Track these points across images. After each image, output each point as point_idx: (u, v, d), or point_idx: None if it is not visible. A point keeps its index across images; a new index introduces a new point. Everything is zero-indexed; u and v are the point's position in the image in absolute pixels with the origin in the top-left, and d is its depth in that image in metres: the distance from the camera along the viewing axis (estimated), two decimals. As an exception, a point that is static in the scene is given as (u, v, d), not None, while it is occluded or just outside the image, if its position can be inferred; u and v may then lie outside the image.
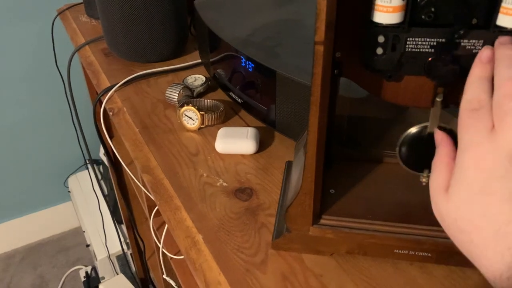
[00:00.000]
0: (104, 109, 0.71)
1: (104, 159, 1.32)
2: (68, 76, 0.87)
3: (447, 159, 0.32)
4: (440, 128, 0.39)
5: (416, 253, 0.41)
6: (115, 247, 1.45)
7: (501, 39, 0.33)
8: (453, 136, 0.38)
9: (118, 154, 0.78)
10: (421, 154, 0.40)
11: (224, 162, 0.56)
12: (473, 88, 0.30)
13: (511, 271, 0.26)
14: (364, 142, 0.50)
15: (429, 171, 0.41)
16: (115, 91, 0.71)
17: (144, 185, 0.70)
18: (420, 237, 0.41)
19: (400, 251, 0.42)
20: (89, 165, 1.19)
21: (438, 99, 0.37)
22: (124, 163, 0.83)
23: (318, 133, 0.37)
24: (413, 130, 0.39)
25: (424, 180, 0.40)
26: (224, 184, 0.52)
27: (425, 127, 0.39)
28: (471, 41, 0.35)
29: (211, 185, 0.52)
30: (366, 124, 0.51)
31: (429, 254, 0.41)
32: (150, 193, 0.54)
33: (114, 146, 0.92)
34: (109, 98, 0.70)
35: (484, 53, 0.32)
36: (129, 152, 0.61)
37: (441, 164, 0.32)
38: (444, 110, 0.38)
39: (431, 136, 0.39)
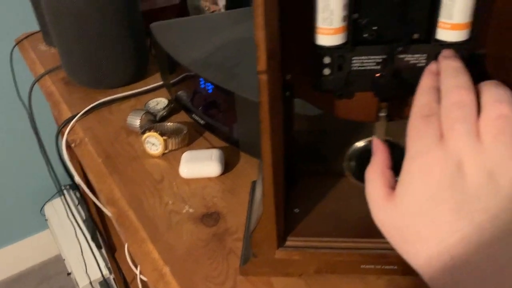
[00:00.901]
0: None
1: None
2: (30, 108, 0.85)
3: (382, 167, 0.32)
4: (386, 141, 0.40)
5: (382, 266, 0.42)
6: (97, 273, 1.42)
7: (444, 53, 0.33)
8: (394, 148, 0.38)
9: (88, 182, 0.77)
10: None
11: (189, 187, 0.55)
12: (424, 96, 0.31)
13: (454, 282, 0.26)
14: (327, 156, 0.50)
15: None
16: (76, 121, 0.69)
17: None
18: (384, 251, 0.41)
19: (366, 266, 0.42)
20: (65, 193, 1.17)
21: (381, 114, 0.37)
22: (94, 192, 0.81)
23: (272, 158, 0.36)
24: (360, 144, 0.40)
25: None
26: (190, 210, 0.52)
27: (371, 141, 0.39)
28: (414, 55, 0.35)
29: (177, 212, 0.51)
30: (327, 138, 0.51)
31: (395, 267, 0.41)
32: (116, 226, 0.53)
33: (84, 173, 0.91)
34: (70, 129, 0.69)
35: (432, 66, 0.33)
36: (93, 184, 0.60)
37: (375, 173, 0.32)
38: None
39: None
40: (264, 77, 0.32)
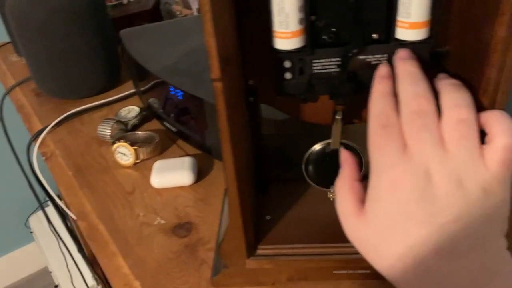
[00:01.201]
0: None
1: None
2: (2, 120, 0.83)
3: (351, 181, 0.31)
4: (342, 144, 0.39)
5: (355, 271, 0.41)
6: (84, 284, 1.40)
7: (400, 53, 0.32)
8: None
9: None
10: (327, 170, 0.40)
11: (161, 198, 0.54)
12: (379, 103, 0.30)
13: None
14: (297, 160, 0.50)
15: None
16: (47, 133, 0.68)
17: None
18: (357, 255, 0.39)
19: (339, 271, 0.41)
20: (48, 204, 1.14)
21: (337, 117, 0.37)
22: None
23: (235, 169, 0.35)
24: (317, 147, 0.39)
25: (331, 196, 0.40)
26: (162, 221, 0.50)
27: (329, 143, 0.39)
28: (375, 55, 0.34)
29: (148, 224, 0.50)
30: (296, 143, 0.50)
31: (368, 271, 0.41)
32: (87, 240, 0.52)
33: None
34: (41, 142, 0.67)
35: (382, 70, 0.32)
36: (64, 198, 0.58)
37: (344, 187, 0.31)
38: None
39: (334, 152, 0.39)
40: (219, 85, 0.31)
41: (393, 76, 0.31)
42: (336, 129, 0.38)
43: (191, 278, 0.44)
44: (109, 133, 0.62)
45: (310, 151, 0.41)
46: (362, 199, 0.31)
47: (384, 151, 0.28)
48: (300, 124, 0.52)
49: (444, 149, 0.27)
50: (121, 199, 0.54)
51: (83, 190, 0.56)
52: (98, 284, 1.41)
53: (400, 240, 0.27)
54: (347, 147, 0.38)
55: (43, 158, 0.65)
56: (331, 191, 0.41)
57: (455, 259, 0.25)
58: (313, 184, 0.42)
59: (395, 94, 0.30)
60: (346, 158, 0.33)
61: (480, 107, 0.29)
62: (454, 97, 0.28)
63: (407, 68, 0.30)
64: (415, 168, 0.27)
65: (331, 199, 0.40)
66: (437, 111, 0.28)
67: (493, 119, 0.27)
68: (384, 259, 0.28)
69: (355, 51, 0.32)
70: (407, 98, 0.29)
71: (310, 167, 0.42)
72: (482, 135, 0.28)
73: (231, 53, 0.33)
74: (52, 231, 1.28)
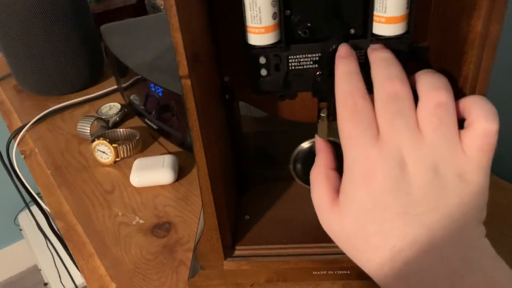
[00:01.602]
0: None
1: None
2: (-17, 117, 0.81)
3: (325, 169, 0.30)
4: (330, 142, 0.38)
5: (335, 272, 0.40)
6: (72, 282, 1.38)
7: (372, 46, 0.31)
8: (338, 148, 0.37)
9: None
10: None
11: (141, 197, 0.53)
12: (343, 84, 0.28)
13: (401, 285, 0.25)
14: (277, 159, 0.49)
15: None
16: (26, 131, 0.66)
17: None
18: (336, 255, 0.39)
19: (318, 272, 0.40)
20: (32, 205, 1.13)
21: (322, 114, 0.36)
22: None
23: (208, 168, 0.34)
24: (305, 145, 0.38)
25: None
26: (141, 221, 0.49)
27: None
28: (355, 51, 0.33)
29: (127, 224, 0.49)
30: (276, 141, 0.50)
31: (348, 272, 0.40)
32: (64, 240, 0.51)
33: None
34: (21, 140, 0.66)
35: (341, 50, 0.30)
36: (43, 197, 0.57)
37: (319, 175, 0.30)
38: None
39: None
40: (187, 82, 0.30)
41: (354, 55, 0.30)
42: (322, 127, 0.37)
43: (168, 280, 0.43)
44: (89, 131, 0.61)
45: (298, 149, 0.40)
46: (337, 189, 0.29)
47: (356, 141, 0.27)
48: (282, 121, 0.51)
49: (420, 136, 0.25)
50: (100, 198, 0.53)
51: (61, 189, 0.55)
52: (87, 281, 1.40)
53: (375, 232, 0.26)
54: (335, 145, 0.37)
55: (22, 156, 0.64)
56: None
57: (432, 250, 0.25)
58: (301, 183, 0.41)
59: (359, 73, 0.28)
60: (321, 147, 0.32)
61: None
62: (431, 80, 0.27)
63: (380, 55, 0.29)
64: (389, 157, 0.25)
65: None
66: (413, 96, 0.26)
67: (473, 104, 0.26)
68: (360, 251, 0.27)
69: (334, 47, 0.31)
70: (381, 81, 0.27)
71: (298, 166, 0.40)
72: (460, 121, 0.26)
73: (201, 49, 0.31)
74: (38, 229, 1.26)
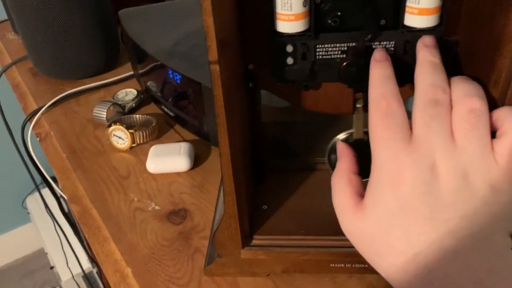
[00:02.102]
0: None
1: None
2: (-3, 99, 0.82)
3: (348, 174, 0.30)
4: (365, 134, 0.37)
5: (353, 265, 0.40)
6: (79, 266, 1.40)
7: (425, 40, 0.30)
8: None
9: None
10: None
11: (157, 183, 0.53)
12: (378, 88, 0.28)
13: None
14: (296, 150, 0.48)
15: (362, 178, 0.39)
16: (42, 114, 0.66)
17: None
18: (355, 249, 0.39)
19: (336, 265, 0.40)
20: (42, 188, 1.13)
21: (358, 105, 0.35)
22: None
23: (231, 155, 0.34)
24: (341, 136, 0.38)
25: None
26: (157, 207, 0.49)
27: (352, 133, 0.37)
28: (382, 42, 0.33)
29: (142, 210, 0.49)
30: (296, 132, 0.49)
31: (366, 265, 0.39)
32: (79, 224, 0.51)
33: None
34: (36, 122, 0.66)
35: (377, 54, 0.30)
36: (58, 180, 0.57)
37: (341, 179, 0.30)
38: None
39: (358, 142, 0.37)
40: (216, 68, 0.29)
41: (389, 60, 0.30)
42: (358, 118, 0.37)
43: (184, 267, 0.43)
44: (105, 116, 0.61)
45: (333, 140, 0.39)
46: (360, 193, 0.29)
47: (387, 143, 0.26)
48: (302, 112, 0.51)
49: (453, 142, 0.25)
50: (115, 183, 0.53)
51: (77, 172, 0.55)
52: (93, 267, 1.41)
53: (400, 237, 0.26)
54: (357, 144, 0.36)
55: (38, 139, 0.64)
56: None
57: (458, 258, 0.24)
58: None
59: (394, 78, 0.29)
60: (343, 151, 0.32)
61: (490, 99, 0.28)
62: (465, 87, 0.27)
63: (430, 57, 0.29)
64: (420, 160, 0.25)
65: None
66: (451, 105, 0.27)
67: (506, 114, 0.26)
68: (382, 256, 0.27)
69: (369, 36, 0.31)
70: (425, 86, 0.27)
71: (333, 157, 0.40)
72: (493, 133, 0.26)
73: (230, 35, 0.31)
74: (48, 213, 1.27)
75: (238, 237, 0.39)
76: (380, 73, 0.29)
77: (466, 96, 0.26)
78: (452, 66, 0.33)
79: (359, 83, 0.34)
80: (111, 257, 0.45)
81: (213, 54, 0.29)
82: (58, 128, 0.63)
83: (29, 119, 0.67)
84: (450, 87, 0.28)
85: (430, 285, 0.25)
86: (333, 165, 0.41)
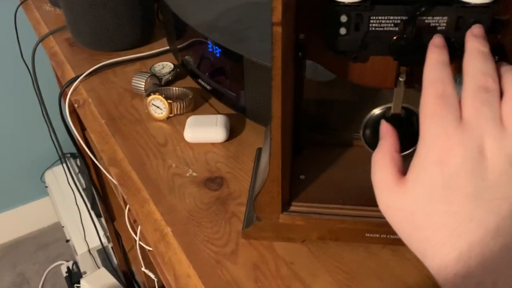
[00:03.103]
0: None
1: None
2: (33, 67, 0.84)
3: (391, 152, 0.31)
4: (404, 108, 0.38)
5: (388, 236, 0.41)
6: (96, 241, 1.43)
7: (474, 30, 0.31)
8: (412, 115, 0.37)
9: (90, 148, 0.76)
10: None
11: (193, 152, 0.54)
12: (435, 71, 0.30)
13: (466, 269, 0.25)
14: (333, 125, 0.49)
15: None
16: (80, 82, 0.68)
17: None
18: (390, 220, 0.40)
19: (371, 234, 0.41)
20: (64, 161, 1.16)
21: (401, 79, 0.36)
22: (97, 157, 0.81)
23: (282, 119, 0.35)
24: (377, 111, 0.39)
25: None
26: (194, 174, 0.51)
27: (389, 108, 0.38)
28: (434, 18, 0.34)
29: (180, 175, 0.51)
30: (334, 107, 0.50)
31: (400, 237, 0.41)
32: (118, 186, 0.53)
33: (86, 139, 0.90)
34: (74, 90, 0.68)
35: (436, 40, 0.32)
36: (96, 144, 0.59)
37: (384, 157, 0.31)
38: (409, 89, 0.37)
39: (395, 117, 0.38)
40: (278, 29, 0.31)
41: (447, 48, 0.31)
42: (399, 92, 0.37)
43: (222, 229, 0.44)
44: (143, 86, 0.62)
45: (369, 115, 0.40)
46: (401, 171, 0.30)
47: (439, 120, 0.28)
48: (344, 89, 0.52)
49: (502, 127, 0.27)
50: (153, 149, 0.55)
51: (116, 138, 0.57)
52: (109, 242, 1.44)
53: (441, 211, 0.27)
54: (408, 111, 0.37)
55: (75, 105, 0.66)
56: None
57: (498, 236, 0.25)
58: (369, 149, 0.41)
59: (450, 66, 0.30)
60: (387, 130, 0.33)
61: None
62: None
63: (479, 47, 0.30)
64: (470, 141, 0.26)
65: None
66: (500, 93, 0.28)
67: None
68: (420, 229, 0.28)
69: (422, 9, 0.32)
70: (475, 74, 0.28)
71: (368, 132, 0.41)
72: None
73: (290, 0, 0.32)
74: (70, 185, 1.30)
75: (279, 201, 0.40)
76: (438, 58, 0.30)
77: None
78: (500, 47, 0.34)
79: (408, 56, 0.35)
80: (151, 217, 0.47)
81: (277, 15, 0.30)
82: (96, 96, 0.65)
83: (66, 87, 0.68)
84: (500, 75, 0.29)
85: (467, 259, 0.25)
86: (367, 140, 0.42)
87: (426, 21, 0.34)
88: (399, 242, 0.41)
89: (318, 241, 0.43)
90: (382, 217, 0.40)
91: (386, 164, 0.31)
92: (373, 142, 0.40)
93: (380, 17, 0.34)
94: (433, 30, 0.34)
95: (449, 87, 0.28)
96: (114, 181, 0.54)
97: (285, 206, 0.41)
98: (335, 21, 0.35)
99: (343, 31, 0.35)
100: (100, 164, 0.73)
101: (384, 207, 0.31)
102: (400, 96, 0.37)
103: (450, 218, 0.26)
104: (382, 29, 0.35)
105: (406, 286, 0.39)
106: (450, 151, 0.27)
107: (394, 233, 0.41)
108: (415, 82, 0.37)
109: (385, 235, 0.41)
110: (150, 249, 0.73)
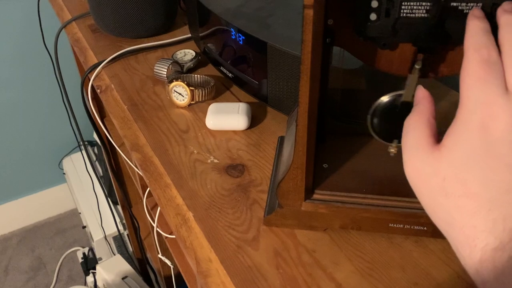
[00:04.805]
0: (94, 88, 0.69)
1: (98, 139, 1.31)
2: (56, 53, 0.85)
3: (428, 116, 0.30)
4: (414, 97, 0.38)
5: (412, 227, 0.41)
6: (112, 228, 1.44)
7: (505, 6, 0.31)
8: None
9: (110, 134, 0.77)
10: (393, 124, 0.38)
11: (215, 139, 0.54)
12: (479, 37, 0.28)
13: (498, 241, 0.24)
14: (358, 115, 0.49)
15: (399, 141, 0.39)
16: (102, 67, 0.69)
17: (134, 163, 0.69)
18: (415, 210, 0.40)
19: (395, 225, 0.41)
20: (82, 147, 1.18)
21: (416, 66, 0.35)
22: (116, 143, 0.81)
23: (309, 105, 0.35)
24: (385, 99, 0.38)
25: (392, 150, 0.39)
26: (215, 160, 0.51)
27: (399, 95, 0.37)
28: (469, 4, 0.33)
29: (202, 162, 0.51)
30: (359, 97, 0.50)
31: (425, 228, 0.40)
32: (139, 171, 0.53)
33: (105, 126, 0.91)
34: (96, 75, 0.68)
35: (476, 11, 0.30)
36: (118, 130, 0.59)
37: (420, 119, 0.30)
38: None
39: (405, 105, 0.38)
40: (309, 12, 0.30)
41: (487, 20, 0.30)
42: (412, 79, 0.37)
43: (243, 215, 0.44)
44: (165, 73, 0.63)
45: (377, 102, 0.40)
46: (436, 137, 0.29)
47: (485, 85, 0.26)
48: (370, 78, 0.51)
49: None
50: (175, 136, 0.55)
51: (138, 123, 0.57)
52: (125, 229, 1.46)
53: (477, 178, 0.26)
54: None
55: (98, 90, 0.66)
56: (393, 145, 0.40)
57: None
58: (376, 137, 0.41)
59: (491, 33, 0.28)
60: (424, 95, 0.32)
61: None
62: None
63: None
64: None
65: (392, 154, 0.40)
66: None
67: None
68: (452, 197, 0.26)
69: None
70: None
71: (375, 120, 0.40)
72: None
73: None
74: (88, 172, 1.32)
75: (302, 188, 0.40)
76: (480, 26, 0.29)
77: None
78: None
79: (426, 41, 0.34)
80: (173, 202, 0.47)
81: (310, -2, 0.30)
82: (119, 81, 0.65)
83: (89, 72, 0.69)
84: None
85: (501, 232, 0.24)
86: (375, 128, 0.41)
87: (460, 7, 0.33)
88: (423, 234, 0.41)
89: (340, 230, 0.42)
90: (406, 208, 0.40)
91: (422, 126, 0.30)
92: (380, 130, 0.39)
93: (411, 3, 0.34)
94: (464, 17, 0.33)
95: (495, 53, 0.27)
96: (135, 167, 0.54)
97: (308, 194, 0.41)
98: (366, 6, 0.34)
99: (373, 16, 0.34)
100: (121, 150, 0.74)
101: (412, 170, 0.29)
102: (413, 84, 0.36)
103: (487, 187, 0.25)
104: (413, 15, 0.34)
105: (429, 277, 0.38)
106: (494, 117, 0.26)
107: (418, 224, 0.41)
108: (431, 71, 0.36)
109: (408, 226, 0.40)
110: (168, 236, 0.74)
